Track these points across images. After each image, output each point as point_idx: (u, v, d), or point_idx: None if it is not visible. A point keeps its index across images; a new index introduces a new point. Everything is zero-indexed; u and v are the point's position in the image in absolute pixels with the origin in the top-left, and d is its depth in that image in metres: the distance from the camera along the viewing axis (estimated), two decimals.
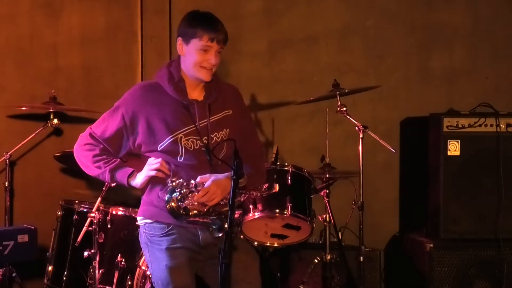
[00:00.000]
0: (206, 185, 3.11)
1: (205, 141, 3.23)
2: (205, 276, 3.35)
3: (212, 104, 3.29)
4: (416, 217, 5.06)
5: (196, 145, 3.23)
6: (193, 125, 3.22)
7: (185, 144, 3.22)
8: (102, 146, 3.28)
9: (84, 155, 3.30)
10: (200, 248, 3.27)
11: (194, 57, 3.21)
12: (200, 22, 3.22)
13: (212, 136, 3.25)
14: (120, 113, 3.25)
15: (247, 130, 3.42)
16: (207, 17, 3.27)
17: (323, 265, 4.49)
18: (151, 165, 3.22)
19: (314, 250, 4.62)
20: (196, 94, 3.30)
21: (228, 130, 3.29)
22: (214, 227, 3.10)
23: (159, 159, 3.20)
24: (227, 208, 2.96)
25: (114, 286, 4.06)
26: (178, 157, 3.22)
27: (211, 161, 3.22)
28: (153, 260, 3.28)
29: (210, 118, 3.26)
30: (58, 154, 4.48)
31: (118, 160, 3.31)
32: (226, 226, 2.94)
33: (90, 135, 3.31)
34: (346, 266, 4.49)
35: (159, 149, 3.24)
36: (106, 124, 3.28)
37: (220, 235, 3.05)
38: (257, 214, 3.93)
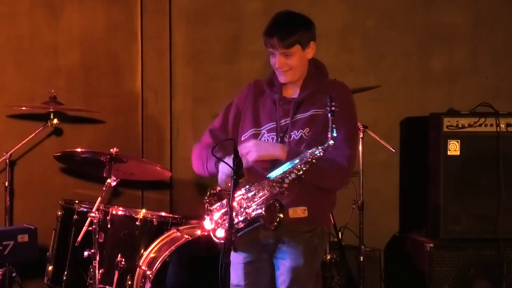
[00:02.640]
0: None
1: (285, 139, 3.18)
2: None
3: (304, 102, 3.23)
4: (416, 217, 5.06)
5: (275, 142, 3.20)
6: (275, 122, 3.22)
7: (265, 139, 3.21)
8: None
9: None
10: (262, 246, 3.21)
11: (270, 59, 3.27)
12: (267, 25, 3.25)
13: (292, 134, 3.19)
14: (233, 103, 3.37)
15: (339, 127, 3.02)
16: (271, 21, 3.27)
17: (323, 265, 4.49)
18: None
19: None
20: (292, 91, 3.29)
21: (312, 129, 3.17)
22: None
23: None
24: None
25: (114, 286, 4.06)
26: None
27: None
28: None
29: (294, 116, 3.21)
30: (58, 154, 4.47)
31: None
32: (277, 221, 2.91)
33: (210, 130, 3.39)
34: (346, 266, 4.49)
35: (242, 138, 3.25)
36: (221, 114, 3.40)
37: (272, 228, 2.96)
38: None
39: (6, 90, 4.93)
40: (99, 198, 4.04)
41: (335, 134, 2.89)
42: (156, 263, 3.95)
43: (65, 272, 4.26)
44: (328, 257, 4.46)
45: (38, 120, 4.77)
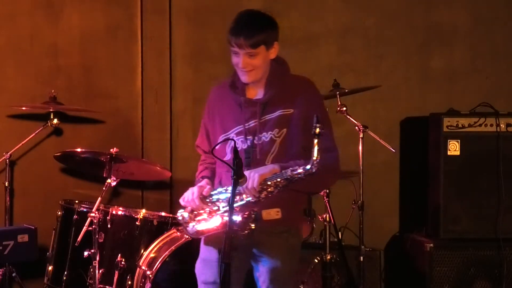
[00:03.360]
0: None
1: (255, 141, 3.18)
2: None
3: (268, 102, 3.20)
4: (416, 217, 5.06)
5: (245, 145, 3.19)
6: (242, 125, 3.20)
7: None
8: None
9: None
10: (236, 246, 3.21)
11: (232, 59, 3.21)
12: (231, 24, 3.19)
13: (261, 136, 3.18)
14: (204, 113, 3.37)
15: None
16: (236, 20, 3.21)
17: (323, 265, 4.49)
18: (189, 197, 3.19)
19: (314, 250, 4.62)
20: (255, 92, 3.25)
21: (285, 130, 3.17)
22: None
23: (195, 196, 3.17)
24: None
25: (114, 286, 4.06)
26: (225, 157, 3.19)
27: (249, 162, 3.15)
28: None
29: (262, 117, 3.19)
30: (58, 154, 4.47)
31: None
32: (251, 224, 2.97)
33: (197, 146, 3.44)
34: (346, 266, 4.49)
35: (216, 147, 3.23)
36: (200, 128, 3.40)
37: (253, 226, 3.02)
38: None
39: (6, 90, 4.93)
40: (99, 198, 4.04)
41: (318, 157, 2.91)
42: (156, 263, 3.95)
43: (65, 272, 4.26)
44: (328, 257, 4.45)
45: (38, 120, 4.77)
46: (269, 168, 3.07)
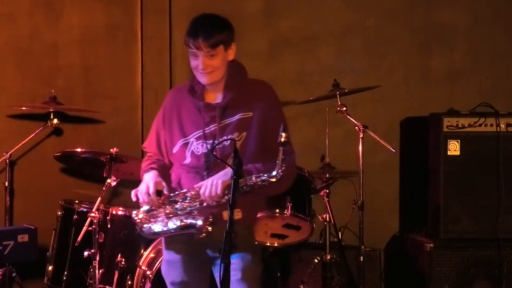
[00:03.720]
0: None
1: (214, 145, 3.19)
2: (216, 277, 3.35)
3: (228, 106, 3.21)
4: (416, 217, 5.06)
5: (205, 149, 3.20)
6: (202, 130, 3.21)
7: (194, 148, 3.21)
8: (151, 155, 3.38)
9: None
10: (199, 247, 3.26)
11: (190, 62, 3.22)
12: (188, 27, 3.20)
13: (221, 139, 3.19)
14: (157, 115, 3.36)
15: (272, 129, 3.14)
16: (194, 22, 3.22)
17: (323, 265, 4.49)
18: (142, 190, 3.19)
19: (314, 250, 4.62)
20: (214, 96, 3.26)
21: (245, 134, 3.19)
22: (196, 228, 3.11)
23: (149, 190, 3.17)
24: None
25: (114, 286, 4.06)
26: (185, 160, 3.22)
27: (209, 166, 3.18)
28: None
29: (222, 121, 3.20)
30: (58, 154, 4.47)
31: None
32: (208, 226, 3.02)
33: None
34: (346, 266, 4.49)
35: (174, 151, 3.25)
36: (150, 131, 3.39)
37: (204, 235, 3.07)
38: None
39: (6, 90, 4.94)
40: (99, 198, 4.04)
41: (283, 165, 2.97)
42: (156, 263, 3.95)
43: (65, 272, 4.26)
44: (328, 257, 4.46)
45: (38, 120, 4.77)
46: (229, 173, 3.06)
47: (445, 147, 4.63)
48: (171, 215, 3.15)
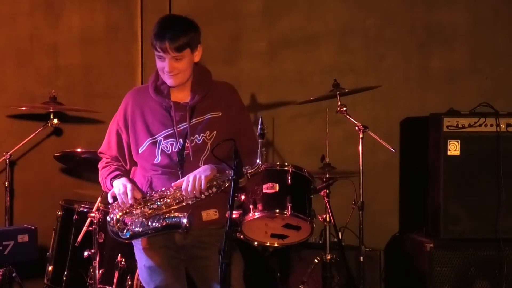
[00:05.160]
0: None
1: (187, 143, 3.23)
2: (192, 276, 3.36)
3: (197, 106, 3.27)
4: (416, 217, 5.06)
5: (175, 148, 3.24)
6: (172, 128, 3.24)
7: (163, 147, 3.25)
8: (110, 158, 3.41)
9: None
10: (178, 248, 3.29)
11: (156, 63, 3.25)
12: (154, 29, 3.22)
13: (193, 138, 3.24)
14: (114, 119, 3.40)
15: (240, 129, 3.34)
16: (159, 25, 3.23)
17: (323, 265, 4.49)
18: (120, 190, 3.21)
19: (314, 250, 4.62)
20: (181, 96, 3.30)
21: (215, 132, 3.26)
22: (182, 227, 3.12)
23: (129, 188, 3.19)
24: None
25: (114, 286, 4.06)
26: (155, 160, 3.25)
27: (182, 164, 3.22)
28: (137, 259, 3.35)
29: (192, 120, 3.25)
30: (58, 154, 4.48)
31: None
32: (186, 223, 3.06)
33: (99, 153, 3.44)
34: (346, 266, 4.49)
35: (139, 151, 3.28)
36: (108, 135, 3.41)
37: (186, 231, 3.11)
38: (257, 214, 3.93)
39: (6, 90, 4.94)
40: (99, 198, 4.04)
41: (261, 161, 3.08)
42: None
43: (65, 272, 4.27)
44: (328, 257, 4.46)
45: (38, 120, 4.77)
46: (209, 169, 3.15)
47: (445, 147, 4.63)
48: (150, 216, 3.17)
